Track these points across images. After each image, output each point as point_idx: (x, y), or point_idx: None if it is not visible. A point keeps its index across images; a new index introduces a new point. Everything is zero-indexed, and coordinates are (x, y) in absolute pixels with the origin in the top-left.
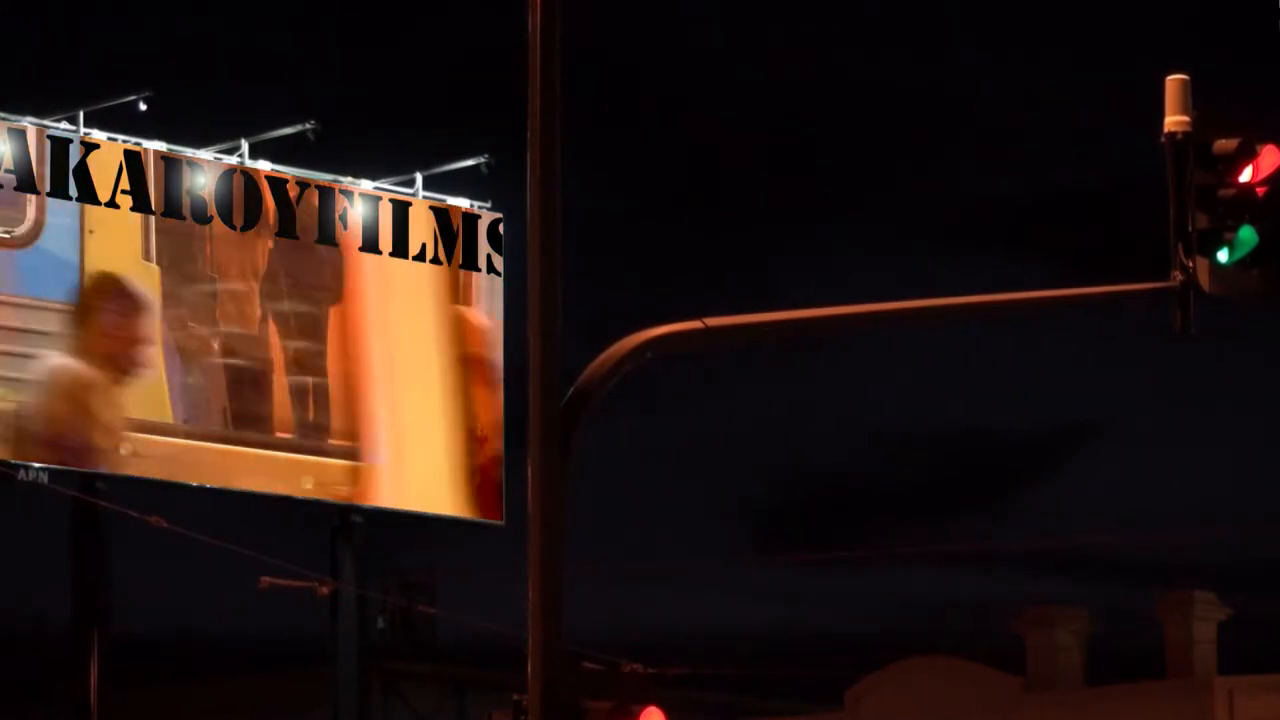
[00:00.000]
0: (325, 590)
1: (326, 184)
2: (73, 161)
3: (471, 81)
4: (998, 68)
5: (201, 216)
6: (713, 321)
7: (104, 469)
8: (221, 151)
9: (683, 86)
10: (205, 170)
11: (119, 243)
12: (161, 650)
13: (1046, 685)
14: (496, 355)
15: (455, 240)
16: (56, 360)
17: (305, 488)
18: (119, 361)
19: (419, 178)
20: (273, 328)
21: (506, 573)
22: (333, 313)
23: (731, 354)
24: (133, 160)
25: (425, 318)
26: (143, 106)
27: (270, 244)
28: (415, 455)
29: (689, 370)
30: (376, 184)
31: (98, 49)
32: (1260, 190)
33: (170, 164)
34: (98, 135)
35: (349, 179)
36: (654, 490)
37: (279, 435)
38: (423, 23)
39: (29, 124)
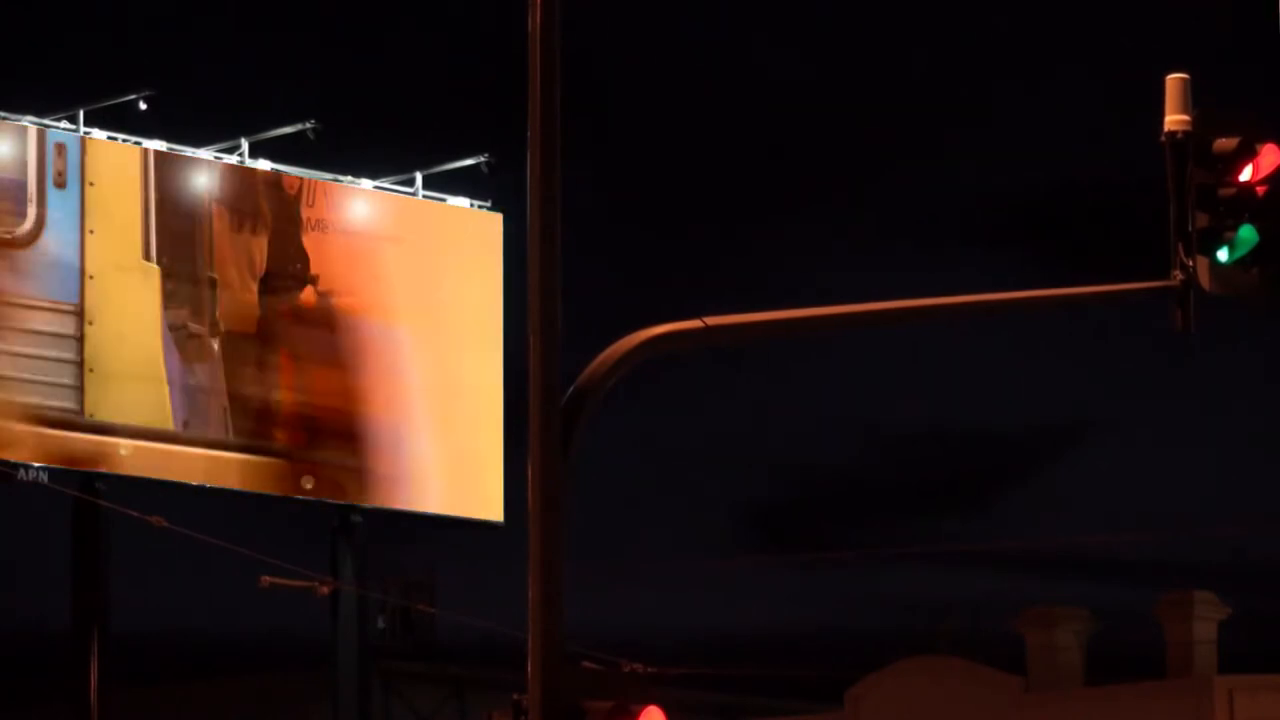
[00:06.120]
0: (325, 590)
1: (326, 183)
2: (73, 161)
3: (471, 81)
4: (997, 66)
5: (202, 216)
6: (712, 321)
7: (104, 469)
8: (221, 151)
9: (681, 86)
10: (205, 170)
11: (119, 242)
12: (161, 650)
13: (1046, 685)
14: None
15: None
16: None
17: (305, 488)
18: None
19: (419, 177)
20: (272, 327)
21: (506, 573)
22: (333, 312)
23: (731, 353)
24: (133, 159)
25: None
26: (143, 106)
27: (270, 243)
28: (416, 457)
29: (689, 370)
30: (376, 183)
31: (98, 49)
32: (1260, 189)
33: (170, 163)
34: (98, 135)
35: (349, 178)
36: (654, 490)
37: (280, 435)
38: (422, 22)
39: (29, 124)
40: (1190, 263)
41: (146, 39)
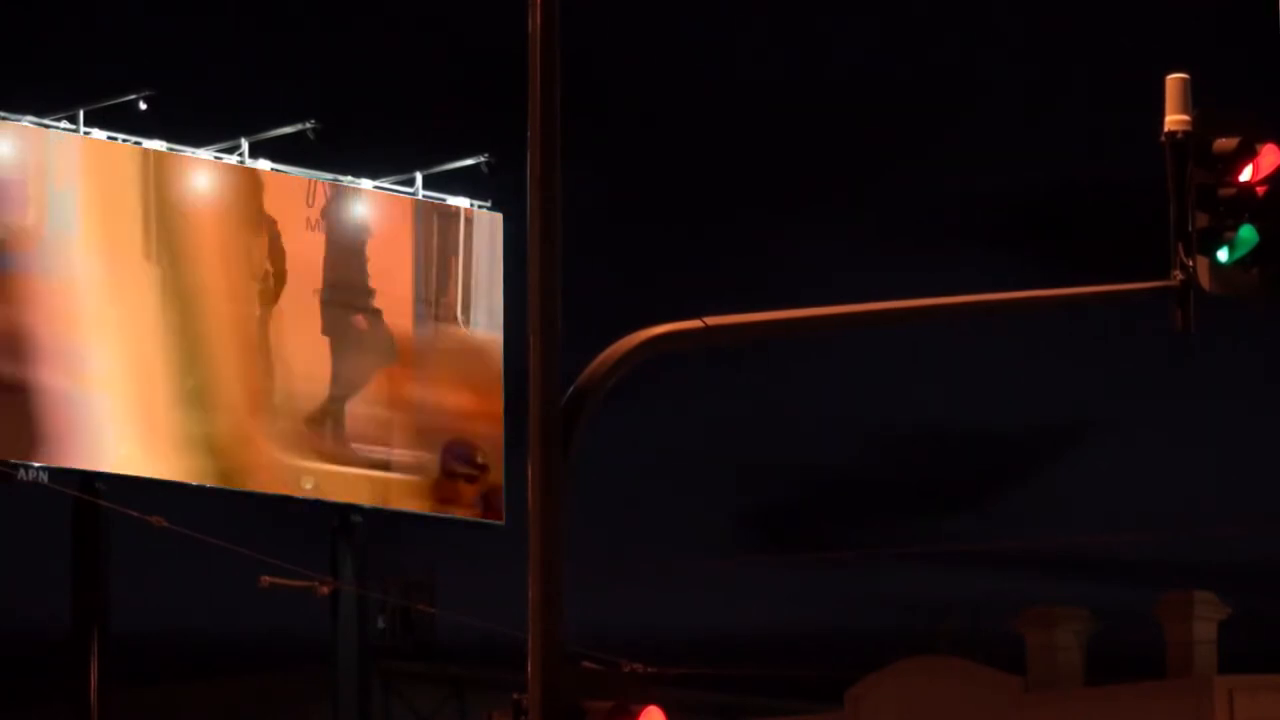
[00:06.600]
0: (325, 590)
1: (326, 183)
2: (73, 161)
3: (471, 81)
4: (997, 65)
5: (202, 216)
6: (712, 321)
7: (104, 469)
8: (221, 151)
9: (681, 86)
10: (205, 170)
11: (119, 242)
12: (161, 650)
13: (1046, 685)
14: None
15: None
16: None
17: (305, 488)
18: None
19: (419, 177)
20: (271, 326)
21: (506, 573)
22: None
23: (731, 353)
24: (133, 160)
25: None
26: (143, 106)
27: (269, 243)
28: (411, 457)
29: (689, 370)
30: (376, 183)
31: (98, 49)
32: (1260, 189)
33: (170, 163)
34: (98, 135)
35: (349, 178)
36: (654, 490)
37: (280, 434)
38: (422, 22)
39: (29, 124)
40: (1190, 263)
41: (146, 39)
